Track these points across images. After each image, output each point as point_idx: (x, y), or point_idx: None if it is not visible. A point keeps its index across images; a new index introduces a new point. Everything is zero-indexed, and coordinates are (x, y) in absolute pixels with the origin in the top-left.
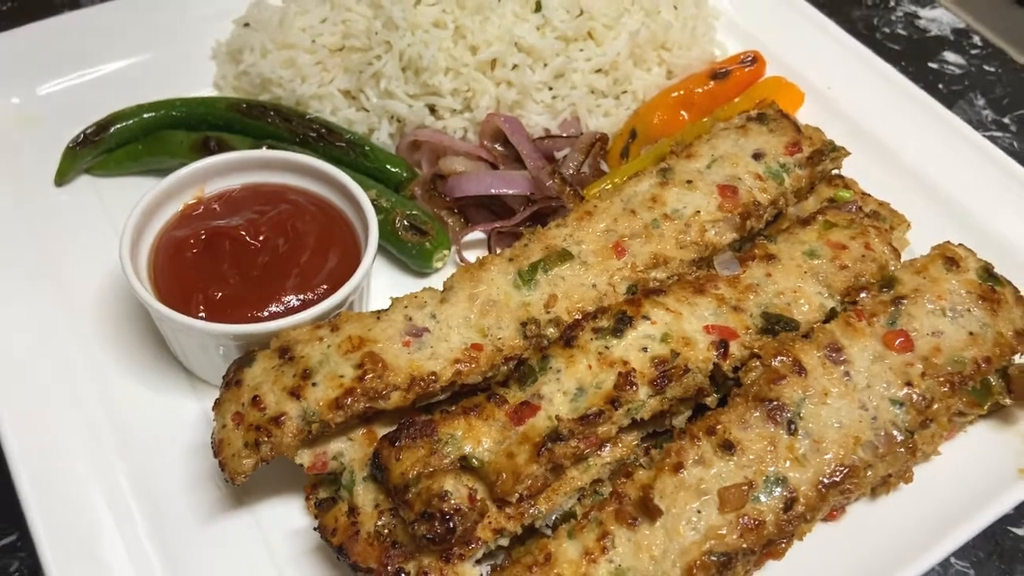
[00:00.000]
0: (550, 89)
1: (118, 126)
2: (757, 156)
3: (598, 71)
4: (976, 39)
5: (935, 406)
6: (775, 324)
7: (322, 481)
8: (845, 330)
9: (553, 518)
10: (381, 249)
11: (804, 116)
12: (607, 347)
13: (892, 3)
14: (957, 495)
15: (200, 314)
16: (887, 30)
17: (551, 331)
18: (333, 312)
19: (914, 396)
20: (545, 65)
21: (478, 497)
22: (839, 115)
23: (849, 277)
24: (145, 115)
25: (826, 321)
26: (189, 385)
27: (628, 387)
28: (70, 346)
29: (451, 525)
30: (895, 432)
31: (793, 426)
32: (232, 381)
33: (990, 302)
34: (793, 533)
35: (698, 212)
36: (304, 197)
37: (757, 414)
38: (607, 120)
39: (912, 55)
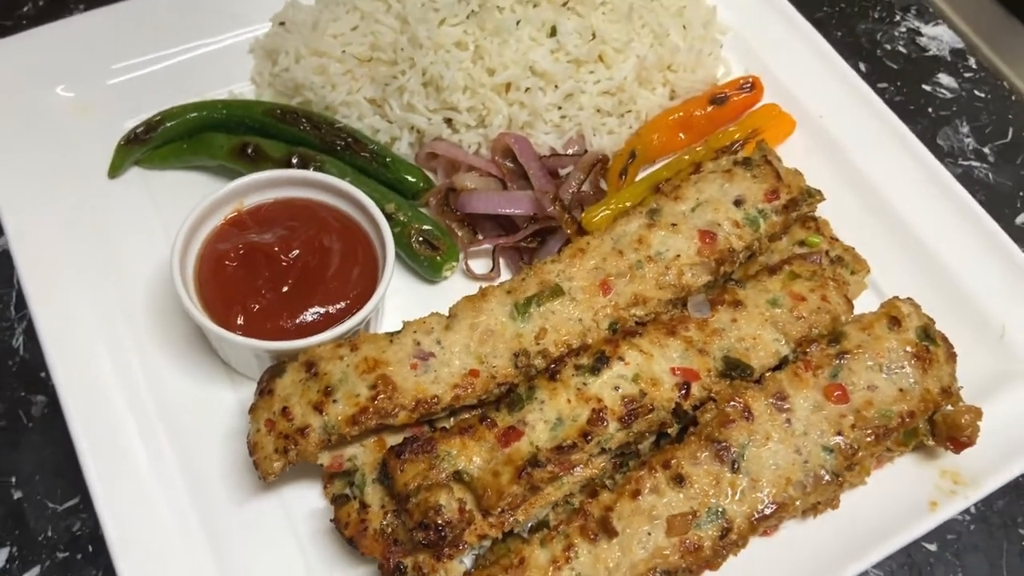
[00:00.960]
0: (559, 109)
1: (166, 125)
2: (738, 202)
3: (606, 92)
4: (972, 61)
5: (860, 454)
6: (733, 369)
7: (337, 474)
8: (792, 380)
9: (529, 525)
10: (396, 256)
11: (793, 143)
12: (585, 383)
13: (897, 17)
14: (877, 519)
15: (239, 321)
16: (888, 46)
17: (539, 362)
18: (353, 330)
19: (843, 444)
20: (556, 87)
21: (467, 508)
22: (826, 145)
23: (804, 327)
24: (190, 115)
25: (779, 366)
26: (227, 377)
27: (599, 423)
28: (124, 335)
29: (442, 534)
30: (823, 474)
31: (736, 465)
32: (265, 390)
33: (922, 361)
34: (727, 555)
35: (678, 256)
36: (330, 214)
37: (707, 453)
38: (610, 138)
39: (908, 75)
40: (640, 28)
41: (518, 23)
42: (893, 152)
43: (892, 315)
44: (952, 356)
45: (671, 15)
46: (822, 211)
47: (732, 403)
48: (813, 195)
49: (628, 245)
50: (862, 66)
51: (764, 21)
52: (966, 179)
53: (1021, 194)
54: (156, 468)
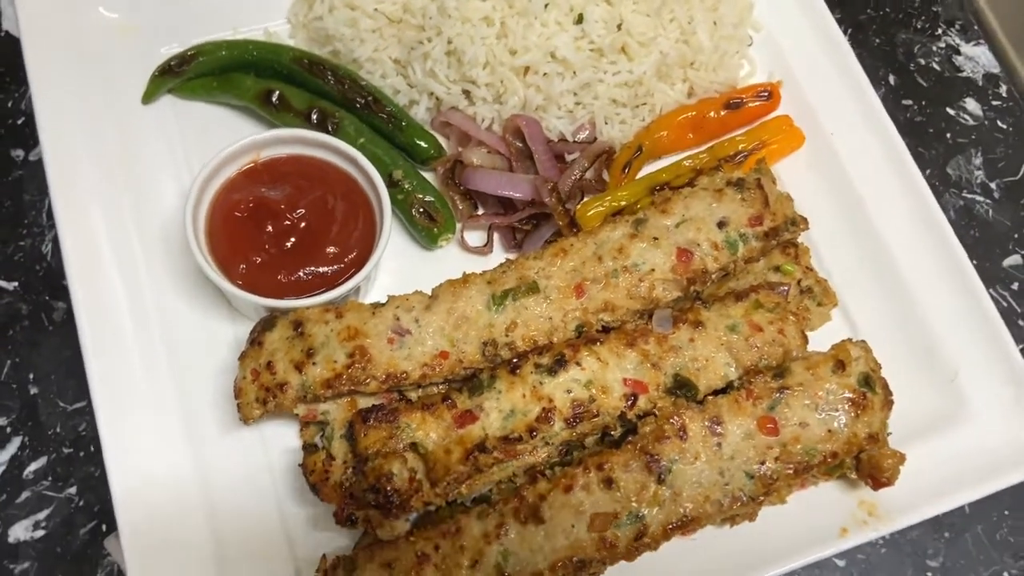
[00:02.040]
0: (575, 95)
1: (198, 60)
2: (721, 224)
3: (624, 84)
4: (1003, 89)
5: (778, 483)
6: (680, 387)
7: (312, 424)
8: (731, 406)
9: (472, 497)
10: (397, 220)
11: (798, 156)
12: (541, 382)
13: (939, 31)
14: (788, 537)
15: (240, 269)
16: (923, 61)
17: (505, 353)
18: (343, 296)
19: (764, 473)
20: (575, 74)
21: (417, 477)
22: (830, 162)
23: (755, 356)
24: (222, 53)
25: (725, 390)
26: (229, 314)
27: (546, 421)
28: (139, 258)
29: (390, 499)
30: (740, 496)
31: (662, 478)
32: (256, 340)
33: (857, 407)
34: (640, 553)
35: (653, 270)
36: (338, 177)
37: (638, 463)
38: (621, 128)
39: (935, 95)
40: (668, 22)
41: (546, 6)
42: (892, 180)
43: (839, 358)
44: (888, 403)
45: (705, 9)
46: (810, 227)
47: (671, 420)
48: (797, 223)
49: (608, 252)
50: (892, 79)
51: (798, 24)
52: (965, 213)
53: (1016, 236)
54: (153, 385)
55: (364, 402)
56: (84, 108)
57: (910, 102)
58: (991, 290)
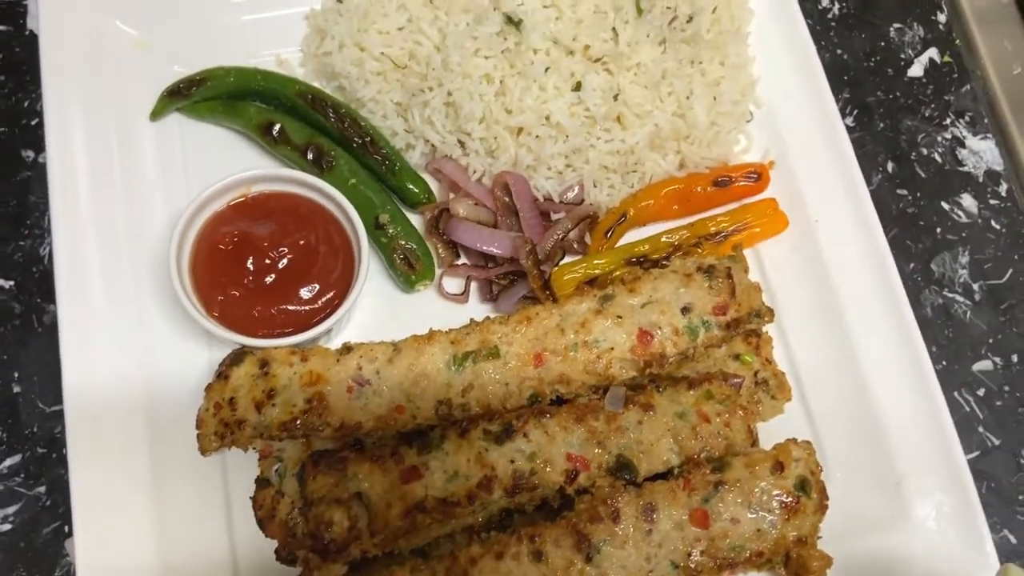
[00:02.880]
0: (566, 158)
1: (206, 85)
2: (685, 310)
3: (616, 152)
4: (1003, 188)
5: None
6: (621, 469)
7: (269, 456)
8: (666, 495)
9: (410, 550)
10: (379, 261)
11: (783, 237)
12: (487, 449)
13: (948, 120)
14: None
15: (219, 301)
16: (925, 151)
17: (458, 413)
18: (312, 340)
19: (690, 564)
20: (567, 139)
21: (358, 524)
22: (810, 250)
23: (698, 447)
24: (230, 79)
25: (665, 475)
26: (206, 339)
27: (487, 490)
28: (127, 271)
29: (327, 546)
30: None
31: (590, 557)
32: (223, 374)
33: (789, 510)
34: None
35: (612, 348)
36: (324, 219)
37: (569, 540)
38: (610, 193)
39: (932, 187)
40: (667, 95)
41: (547, 70)
42: (868, 276)
43: (779, 459)
44: (822, 508)
45: (706, 84)
46: (781, 312)
47: (607, 502)
48: (762, 315)
49: (571, 325)
50: (891, 166)
51: (798, 105)
52: (942, 312)
53: (990, 340)
54: (123, 396)
55: (320, 443)
56: (93, 118)
57: (905, 192)
58: (956, 394)
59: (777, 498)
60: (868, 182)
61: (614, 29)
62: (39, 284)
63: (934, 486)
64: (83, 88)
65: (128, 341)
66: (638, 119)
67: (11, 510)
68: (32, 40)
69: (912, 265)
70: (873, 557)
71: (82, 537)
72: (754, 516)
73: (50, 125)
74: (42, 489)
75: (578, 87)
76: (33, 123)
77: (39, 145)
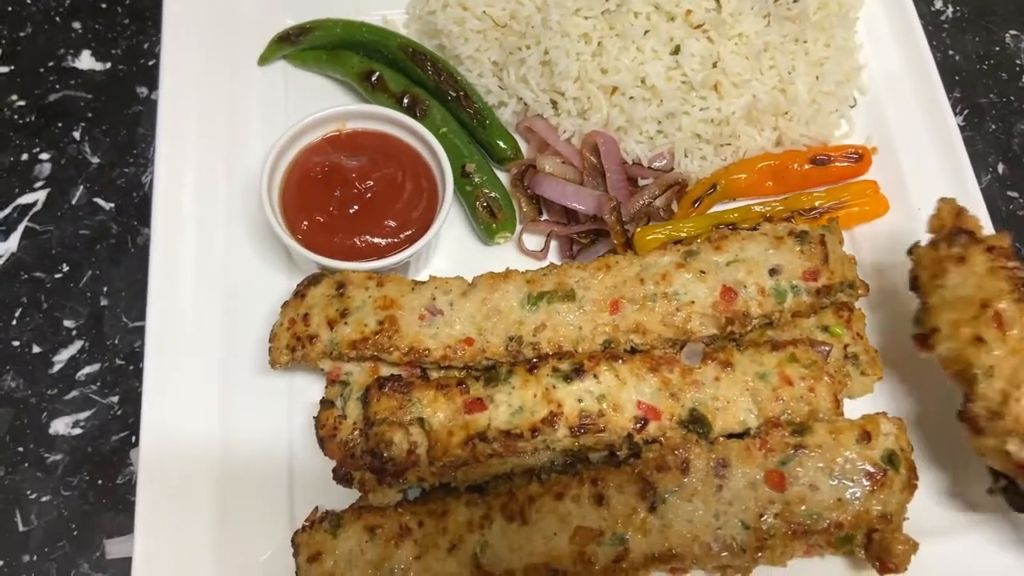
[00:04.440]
0: (659, 123)
1: (314, 33)
2: (773, 271)
3: (710, 121)
4: None
5: (773, 540)
6: (694, 423)
7: (336, 382)
8: (741, 452)
9: (467, 485)
10: (460, 209)
11: (884, 225)
12: (555, 386)
13: None
14: None
15: (303, 226)
16: None
17: (528, 351)
18: (389, 269)
19: (761, 526)
20: (661, 103)
21: (417, 451)
22: (912, 239)
23: (779, 409)
24: (337, 30)
25: (740, 435)
26: (287, 268)
27: (551, 425)
28: (220, 202)
29: (385, 465)
30: (732, 544)
31: (655, 506)
32: (299, 292)
33: (875, 483)
34: None
35: (693, 302)
36: (412, 158)
37: (633, 487)
38: (701, 164)
39: None
40: (768, 68)
41: (646, 32)
42: None
43: (867, 429)
44: (911, 487)
45: (809, 62)
46: (877, 302)
47: (676, 452)
48: (856, 287)
49: (652, 276)
50: (1001, 167)
51: (907, 95)
52: None
53: None
54: (203, 316)
55: (387, 371)
56: (206, 59)
57: (1016, 195)
58: None
59: (862, 468)
60: (978, 182)
61: (717, 1)
62: (137, 208)
63: None
64: (200, 33)
65: (212, 264)
66: (735, 88)
67: (83, 416)
68: None
69: None
70: (955, 559)
71: (147, 436)
72: (835, 484)
73: (165, 64)
74: (115, 399)
75: (676, 51)
76: (150, 63)
77: (153, 83)
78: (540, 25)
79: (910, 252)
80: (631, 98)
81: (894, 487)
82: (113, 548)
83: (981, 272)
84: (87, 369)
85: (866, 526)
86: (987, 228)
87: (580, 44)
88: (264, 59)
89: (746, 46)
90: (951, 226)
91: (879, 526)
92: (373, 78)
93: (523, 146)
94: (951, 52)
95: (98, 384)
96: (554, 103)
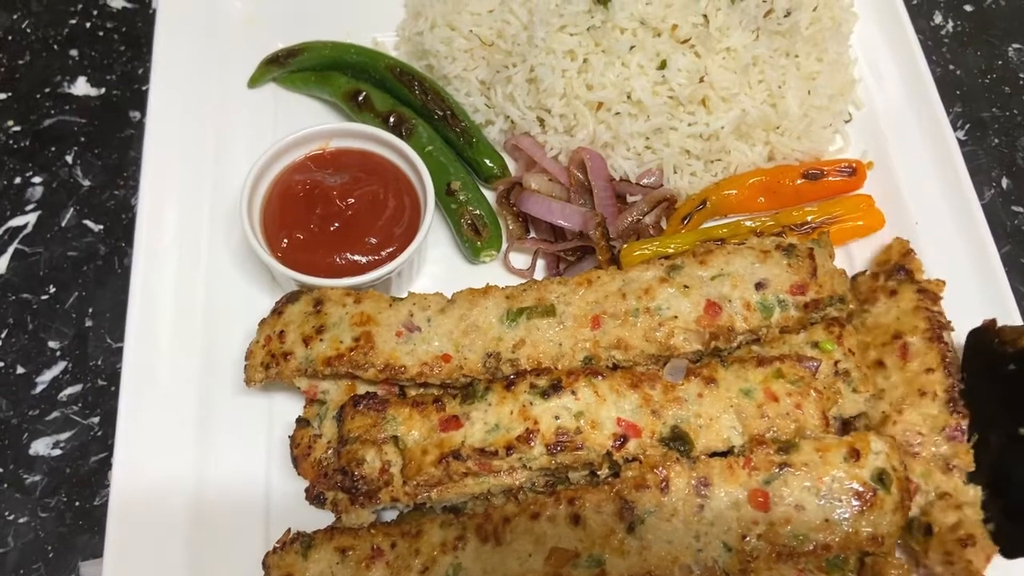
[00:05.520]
0: (647, 138)
1: (303, 55)
2: (760, 286)
3: (698, 136)
4: None
5: (757, 563)
6: (675, 440)
7: (314, 402)
8: (724, 471)
9: (443, 506)
10: (446, 228)
11: (873, 241)
12: (532, 403)
13: None
14: None
15: (283, 245)
16: None
17: (506, 368)
18: (369, 286)
19: (744, 547)
20: (648, 118)
21: (390, 470)
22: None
23: (764, 427)
24: (326, 52)
25: (724, 454)
26: (270, 287)
27: (527, 442)
28: (204, 220)
29: (356, 484)
30: (714, 567)
31: (633, 527)
32: (277, 310)
33: (864, 502)
34: None
35: (676, 317)
36: (395, 176)
37: (612, 506)
38: (691, 181)
39: None
40: (757, 82)
41: (631, 48)
42: (972, 288)
43: (855, 447)
44: (904, 508)
45: (801, 77)
46: None
47: (656, 470)
48: (845, 301)
49: (634, 291)
50: (1005, 182)
51: (903, 109)
52: None
53: None
54: (183, 335)
55: (364, 389)
56: (195, 82)
57: (1020, 209)
58: None
59: (850, 488)
60: (980, 196)
61: (705, 16)
62: (126, 230)
63: None
64: (190, 56)
65: (195, 285)
66: (724, 103)
67: (63, 436)
68: (154, 17)
69: None
70: None
71: (121, 458)
72: (822, 504)
73: (155, 83)
74: (96, 420)
75: (663, 66)
76: (144, 88)
77: (145, 107)
78: (526, 43)
79: (854, 278)
80: (617, 114)
81: (885, 508)
82: (88, 571)
83: (906, 308)
84: (69, 390)
85: (857, 549)
86: (989, 242)
87: (566, 61)
88: (254, 81)
89: (734, 60)
90: (895, 263)
91: (870, 549)
92: (360, 98)
93: (511, 165)
94: (951, 67)
95: (80, 405)
96: (541, 120)
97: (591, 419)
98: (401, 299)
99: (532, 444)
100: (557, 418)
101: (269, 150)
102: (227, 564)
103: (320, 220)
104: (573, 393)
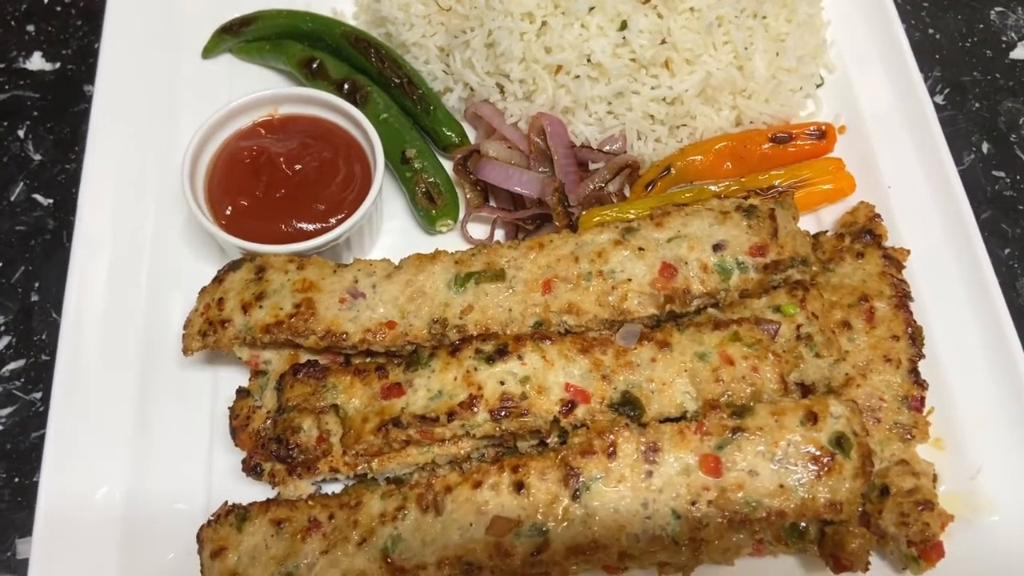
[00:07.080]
0: (608, 103)
1: (257, 24)
2: (717, 247)
3: (662, 100)
4: None
5: (707, 531)
6: (625, 406)
7: (258, 373)
8: (674, 436)
9: (386, 477)
10: (401, 198)
11: (845, 206)
12: (476, 368)
13: None
14: None
15: (227, 212)
16: None
17: (452, 335)
18: (313, 252)
19: (694, 514)
20: (609, 81)
21: (329, 439)
22: (884, 219)
23: (719, 391)
24: (280, 20)
25: (676, 420)
26: (217, 256)
27: (470, 408)
28: (150, 188)
29: (291, 453)
30: (663, 536)
31: (578, 495)
32: (218, 278)
33: (822, 467)
34: (537, 573)
35: (629, 280)
36: (345, 142)
37: (556, 473)
38: (655, 147)
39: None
40: (721, 43)
41: (591, 9)
42: (947, 255)
43: (813, 410)
44: (864, 474)
45: (768, 37)
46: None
47: (603, 436)
48: (808, 263)
49: (587, 254)
50: (986, 146)
51: (877, 72)
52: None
53: None
54: (125, 305)
55: (308, 359)
56: (148, 52)
57: (1002, 174)
58: None
59: (806, 452)
60: (958, 161)
61: None
62: (75, 204)
63: (1015, 476)
64: (143, 26)
65: (138, 255)
66: (687, 64)
67: (4, 412)
68: None
69: (1008, 251)
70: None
71: (54, 435)
72: (776, 469)
73: (105, 55)
74: (38, 395)
75: (623, 27)
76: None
77: None
78: (484, 6)
79: (816, 237)
80: (576, 77)
81: (844, 473)
82: (25, 548)
83: (872, 272)
84: (12, 365)
85: (815, 516)
86: (965, 206)
87: (524, 23)
88: (208, 51)
89: (698, 20)
90: (861, 226)
91: (829, 516)
92: (314, 65)
93: (471, 134)
94: (931, 31)
95: (22, 380)
96: (500, 87)
97: (538, 384)
98: (346, 265)
99: (475, 410)
100: (502, 383)
101: (214, 116)
102: (166, 540)
103: (266, 187)
104: (520, 358)
